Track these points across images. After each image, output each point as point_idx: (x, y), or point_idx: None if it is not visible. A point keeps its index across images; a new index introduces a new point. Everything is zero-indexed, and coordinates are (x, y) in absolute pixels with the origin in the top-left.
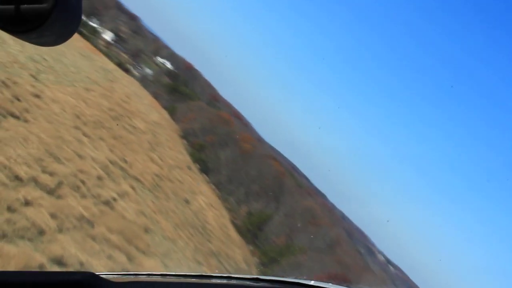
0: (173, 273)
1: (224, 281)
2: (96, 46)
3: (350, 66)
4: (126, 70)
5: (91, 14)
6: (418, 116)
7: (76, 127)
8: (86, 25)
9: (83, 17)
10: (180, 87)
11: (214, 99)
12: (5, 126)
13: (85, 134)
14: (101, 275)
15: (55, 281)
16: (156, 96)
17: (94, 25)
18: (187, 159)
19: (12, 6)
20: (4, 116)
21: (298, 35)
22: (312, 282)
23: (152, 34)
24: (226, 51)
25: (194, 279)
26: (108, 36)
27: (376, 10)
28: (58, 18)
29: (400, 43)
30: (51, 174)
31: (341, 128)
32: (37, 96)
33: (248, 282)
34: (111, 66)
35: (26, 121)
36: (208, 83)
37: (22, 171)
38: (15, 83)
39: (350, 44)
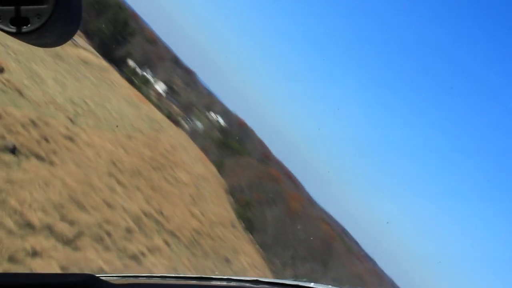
0: (173, 275)
1: (224, 283)
2: (146, 95)
3: None
4: (176, 122)
5: (144, 64)
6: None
7: (110, 174)
8: (137, 74)
9: (135, 66)
10: (231, 142)
11: (266, 157)
12: (25, 167)
13: (119, 182)
14: (100, 277)
15: (54, 283)
16: (204, 149)
17: (147, 75)
18: (232, 216)
19: (12, 7)
20: (26, 157)
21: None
22: (311, 284)
23: (206, 89)
24: (282, 112)
25: (193, 281)
26: (160, 87)
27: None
28: (59, 19)
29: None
30: (71, 222)
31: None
32: (70, 138)
33: (247, 284)
34: (159, 116)
35: (51, 163)
36: (261, 142)
37: (35, 217)
38: (46, 123)
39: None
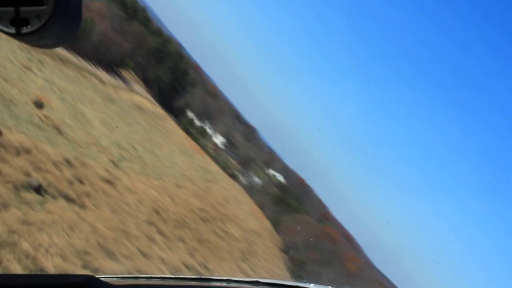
0: (173, 276)
1: (224, 284)
2: (202, 146)
3: None
4: (232, 176)
5: (203, 116)
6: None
7: (151, 223)
8: (195, 125)
9: (193, 117)
10: (289, 200)
11: (325, 217)
12: (49, 208)
13: (160, 232)
14: (101, 278)
15: (55, 284)
16: (260, 205)
17: (205, 126)
18: (285, 274)
19: (12, 8)
20: (53, 197)
21: None
22: (311, 285)
23: (267, 146)
24: (343, 172)
25: (193, 282)
26: (218, 139)
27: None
28: (59, 21)
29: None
30: (95, 270)
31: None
32: (109, 182)
33: (247, 285)
34: (214, 168)
35: (82, 206)
36: (320, 201)
37: (51, 263)
38: (84, 164)
39: None
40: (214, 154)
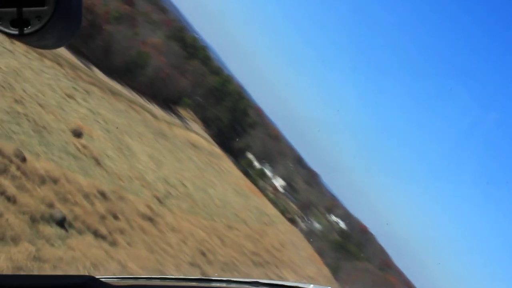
0: (173, 277)
1: (224, 285)
2: (260, 188)
3: None
4: (291, 220)
5: (263, 158)
6: None
7: (194, 264)
8: (254, 167)
9: (253, 158)
10: (350, 246)
11: (386, 265)
12: (72, 244)
13: (204, 275)
14: (101, 279)
15: (55, 284)
16: (319, 251)
17: (265, 169)
18: None
19: (12, 9)
20: (79, 232)
21: None
22: (311, 286)
23: (329, 191)
24: (405, 219)
25: (193, 283)
26: (278, 182)
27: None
28: (59, 21)
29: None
30: None
31: None
32: (149, 219)
33: (247, 286)
34: (272, 211)
35: (113, 243)
36: (382, 249)
37: None
38: (121, 198)
39: None
40: (273, 197)
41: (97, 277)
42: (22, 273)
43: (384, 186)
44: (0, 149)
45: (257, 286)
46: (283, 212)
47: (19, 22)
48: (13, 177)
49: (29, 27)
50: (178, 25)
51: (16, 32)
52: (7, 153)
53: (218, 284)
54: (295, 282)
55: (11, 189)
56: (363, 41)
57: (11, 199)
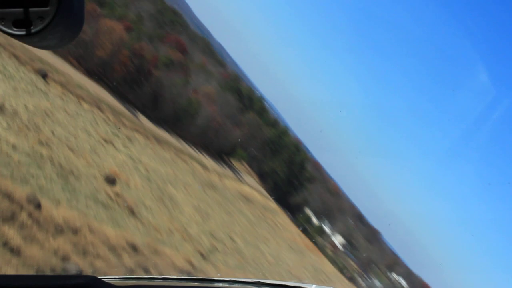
0: (175, 277)
1: (226, 285)
2: (318, 246)
3: None
4: (350, 278)
5: (322, 214)
6: None
7: None
8: (312, 223)
9: (311, 214)
10: None
11: None
12: None
13: None
14: (103, 279)
15: (57, 284)
16: None
17: (323, 225)
18: None
19: (15, 10)
20: None
21: None
22: (313, 286)
23: (390, 250)
24: (465, 273)
25: (196, 283)
26: (337, 240)
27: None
28: (61, 22)
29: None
30: None
31: None
32: (188, 275)
33: (250, 286)
34: (329, 268)
35: None
36: None
37: None
38: (156, 252)
39: None
40: (331, 255)
41: (99, 277)
42: None
43: (447, 244)
44: (10, 194)
45: (260, 286)
46: (342, 270)
47: (21, 23)
48: (22, 226)
49: (31, 27)
50: (233, 73)
51: (22, 33)
52: (18, 198)
53: (220, 284)
54: (297, 282)
55: (16, 239)
56: None
57: (14, 251)
